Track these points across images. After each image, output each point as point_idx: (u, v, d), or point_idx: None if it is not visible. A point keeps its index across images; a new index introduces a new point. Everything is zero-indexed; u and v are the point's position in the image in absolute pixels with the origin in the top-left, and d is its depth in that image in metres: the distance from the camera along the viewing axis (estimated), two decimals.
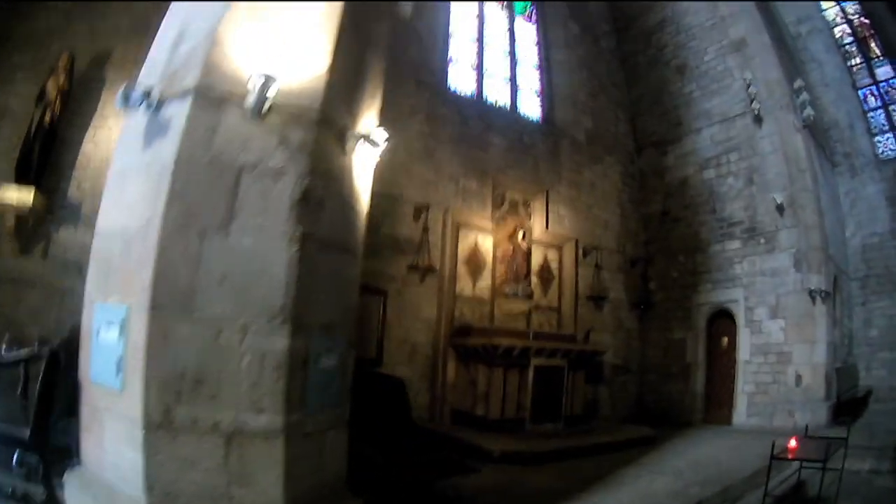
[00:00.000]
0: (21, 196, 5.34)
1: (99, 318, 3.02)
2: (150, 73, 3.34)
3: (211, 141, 2.91)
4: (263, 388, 2.78)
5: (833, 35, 12.41)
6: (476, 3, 10.33)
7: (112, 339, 2.87)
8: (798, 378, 8.46)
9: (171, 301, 2.73)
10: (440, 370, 7.63)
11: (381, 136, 3.57)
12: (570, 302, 9.31)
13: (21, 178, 5.43)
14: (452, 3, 9.89)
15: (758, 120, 9.60)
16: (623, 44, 11.78)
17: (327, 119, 3.17)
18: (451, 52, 9.45)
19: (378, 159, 3.70)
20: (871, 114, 11.90)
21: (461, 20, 9.98)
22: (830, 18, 12.62)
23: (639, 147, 11.34)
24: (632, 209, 10.95)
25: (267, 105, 2.94)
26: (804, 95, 9.56)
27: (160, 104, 3.06)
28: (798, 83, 9.66)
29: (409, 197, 7.88)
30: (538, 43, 10.90)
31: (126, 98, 3.07)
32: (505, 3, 10.81)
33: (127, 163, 3.25)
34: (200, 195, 2.86)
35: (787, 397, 8.45)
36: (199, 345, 2.73)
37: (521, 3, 11.14)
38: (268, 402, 2.78)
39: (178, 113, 2.97)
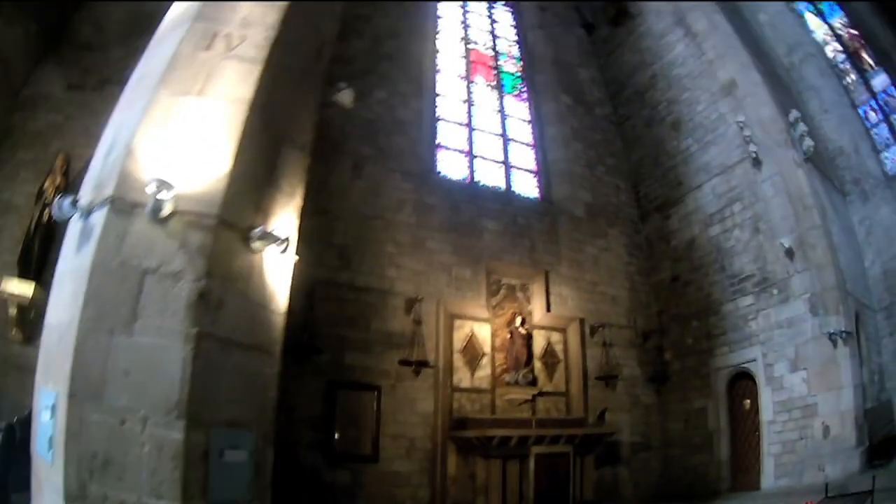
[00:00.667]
0: (22, 289, 5.83)
1: (41, 400, 3.40)
2: (88, 181, 3.76)
3: (121, 246, 3.24)
4: (162, 475, 2.98)
5: (826, 56, 12.27)
6: (464, 86, 10.68)
7: (47, 419, 3.23)
8: (826, 429, 8.02)
9: (85, 390, 3.05)
10: (439, 464, 7.62)
11: (287, 232, 3.80)
12: (579, 384, 9.18)
13: (23, 273, 5.93)
14: (440, 87, 10.26)
15: (757, 163, 9.44)
16: (618, 108, 11.92)
17: (227, 222, 3.42)
18: (440, 138, 9.74)
19: (293, 260, 3.97)
20: (874, 130, 11.57)
21: (449, 104, 10.29)
22: (820, 39, 12.52)
23: (643, 214, 11.32)
24: (641, 280, 10.81)
25: (166, 210, 3.21)
26: (802, 127, 9.40)
27: (89, 212, 3.42)
28: (794, 115, 9.51)
29: (400, 290, 8.06)
30: (530, 120, 11.14)
31: (60, 208, 3.42)
32: (494, 83, 11.17)
33: (64, 266, 3.62)
34: (110, 297, 3.18)
35: (815, 452, 8.00)
36: (107, 431, 3.02)
37: (511, 82, 11.49)
38: (166, 489, 2.98)
39: (98, 221, 3.32)
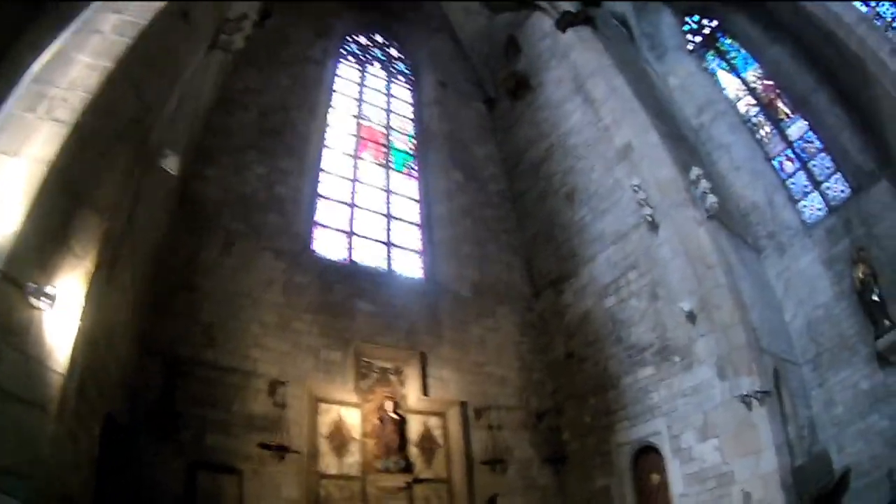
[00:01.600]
0: None
1: None
2: None
3: None
4: None
5: (738, 112, 14.37)
6: (351, 163, 12.38)
7: None
8: (746, 496, 8.75)
9: None
10: None
11: (70, 293, 4.75)
12: (462, 470, 10.06)
13: None
14: (325, 164, 11.85)
15: (653, 226, 10.81)
16: (514, 183, 13.76)
17: (9, 277, 4.26)
18: (319, 216, 11.18)
19: (76, 320, 4.86)
20: (791, 180, 13.39)
21: (333, 182, 11.85)
22: (733, 96, 14.68)
23: (536, 291, 12.69)
24: (533, 359, 11.97)
25: None
26: (704, 184, 10.73)
27: None
28: (695, 172, 10.87)
29: (264, 371, 9.08)
30: (419, 198, 12.81)
31: None
32: (384, 160, 12.94)
33: None
34: None
35: None
36: None
37: (402, 159, 13.31)
38: None
39: None
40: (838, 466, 9.97)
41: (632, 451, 10.41)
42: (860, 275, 11.15)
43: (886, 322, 10.47)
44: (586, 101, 12.73)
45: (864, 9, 11.79)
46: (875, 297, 10.86)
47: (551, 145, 13.10)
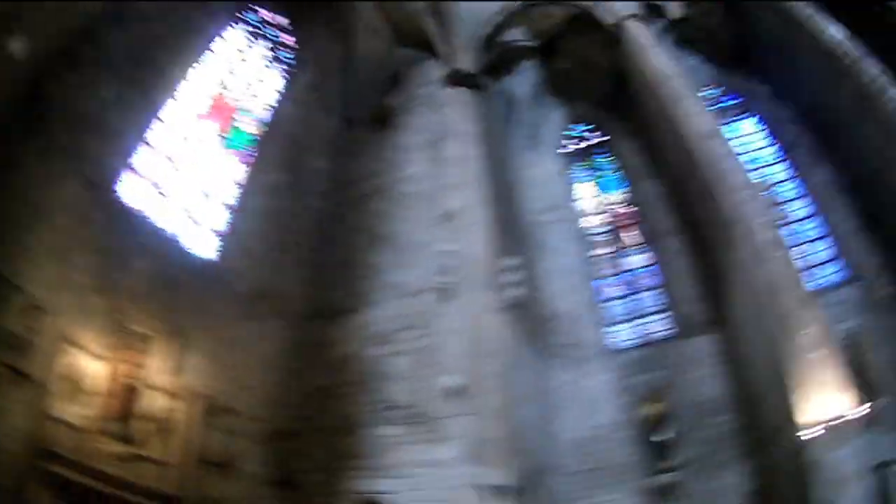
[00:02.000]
0: None
1: None
2: None
3: None
4: None
5: (581, 224, 16.34)
6: (192, 123, 12.69)
7: None
8: None
9: None
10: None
11: None
12: (187, 462, 10.25)
13: None
14: (165, 113, 11.98)
15: (447, 296, 11.63)
16: (335, 205, 14.57)
17: None
18: (136, 161, 11.22)
19: None
20: (609, 303, 15.24)
21: (164, 134, 11.95)
22: (583, 208, 16.77)
23: (313, 313, 13.19)
24: (290, 380, 12.36)
25: None
26: (516, 276, 11.88)
27: None
28: (511, 262, 12.01)
29: (30, 291, 8.73)
30: (242, 184, 13.29)
31: None
32: (225, 135, 13.35)
33: None
34: None
35: None
36: None
37: (242, 140, 13.79)
38: None
39: None
40: None
41: (358, 500, 10.82)
42: (651, 412, 12.80)
43: (666, 464, 12.03)
44: (436, 157, 13.92)
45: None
46: (659, 438, 12.43)
47: (384, 184, 14.13)
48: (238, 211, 12.78)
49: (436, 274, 11.91)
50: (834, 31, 14.54)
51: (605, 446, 12.99)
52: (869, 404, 9.83)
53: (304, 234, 13.82)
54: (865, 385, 12.32)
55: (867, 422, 11.78)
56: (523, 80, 18.47)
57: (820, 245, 15.97)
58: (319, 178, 14.80)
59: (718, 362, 13.57)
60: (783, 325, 10.41)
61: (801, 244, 15.75)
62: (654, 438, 12.58)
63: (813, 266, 15.46)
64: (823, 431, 9.36)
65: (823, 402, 9.47)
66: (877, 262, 14.95)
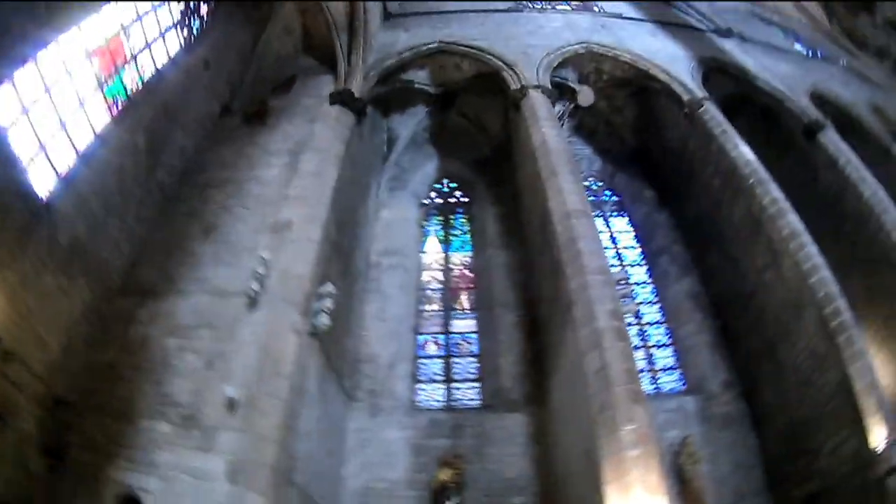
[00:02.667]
0: None
1: None
2: None
3: None
4: None
5: (419, 276, 16.48)
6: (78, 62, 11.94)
7: None
8: None
9: None
10: None
11: None
12: None
13: None
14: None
15: (254, 304, 11.27)
16: (180, 185, 14.15)
17: None
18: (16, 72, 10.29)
19: None
20: (426, 361, 15.33)
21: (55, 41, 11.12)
22: (423, 262, 16.88)
23: (122, 289, 12.62)
24: (83, 347, 11.64)
25: None
26: (326, 303, 11.72)
27: None
28: (326, 288, 11.85)
29: None
30: (100, 135, 12.45)
31: None
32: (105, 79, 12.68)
33: None
34: None
35: None
36: None
37: (119, 90, 13.06)
38: None
39: None
40: None
41: (118, 490, 10.11)
42: (444, 478, 12.65)
43: None
44: (291, 165, 13.74)
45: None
46: None
47: (234, 179, 13.77)
48: (86, 160, 11.98)
49: (250, 280, 11.41)
50: (745, 150, 15.60)
51: (383, 502, 12.77)
52: None
53: (143, 205, 13.16)
54: (691, 495, 13.32)
55: None
56: (411, 122, 18.89)
57: (666, 352, 16.73)
58: (178, 156, 14.22)
59: (527, 442, 13.73)
60: (606, 417, 10.18)
61: (648, 347, 16.61)
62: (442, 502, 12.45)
63: (655, 370, 16.31)
64: None
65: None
66: (722, 379, 15.84)
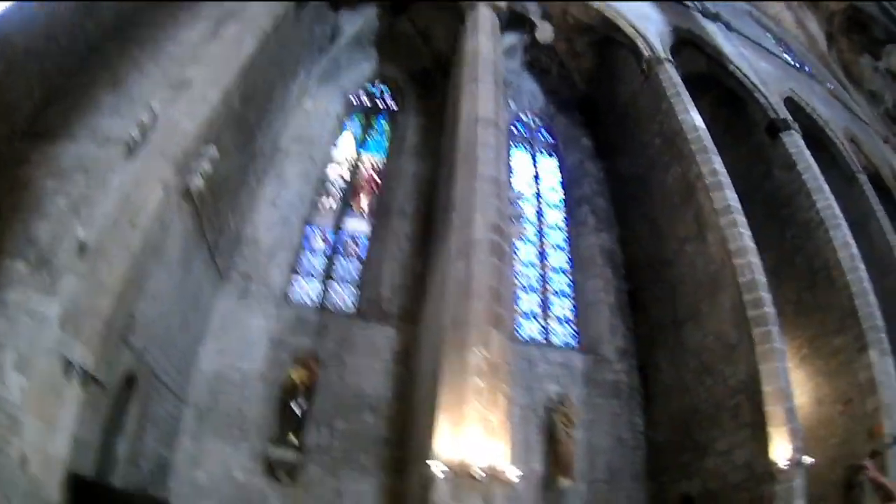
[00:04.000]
0: None
1: None
2: None
3: None
4: None
5: (322, 170, 16.03)
6: None
7: None
8: (24, 459, 8.04)
9: None
10: None
11: None
12: None
13: None
14: None
15: (130, 153, 10.49)
16: (105, 39, 12.71)
17: None
18: None
19: None
20: (310, 254, 14.71)
21: None
22: (337, 158, 16.57)
23: (24, 130, 11.52)
24: None
25: None
26: (205, 165, 10.94)
27: None
28: (209, 151, 11.09)
29: None
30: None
31: None
32: None
33: None
34: None
35: (7, 476, 7.91)
36: None
37: None
38: None
39: None
40: None
41: None
42: (295, 377, 11.97)
43: (294, 440, 11.50)
44: (215, 32, 12.71)
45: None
46: (297, 409, 11.71)
47: (155, 38, 12.86)
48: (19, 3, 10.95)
49: (131, 126, 10.64)
50: (695, 116, 14.96)
51: (239, 393, 12.17)
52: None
53: (66, 54, 12.04)
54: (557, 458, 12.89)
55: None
56: (358, 20, 17.96)
57: (565, 302, 16.22)
58: (112, 10, 12.89)
59: (392, 359, 13.25)
60: (457, 335, 9.26)
61: (547, 292, 16.20)
62: (293, 406, 11.79)
63: (549, 318, 15.84)
64: (451, 474, 8.19)
65: (480, 443, 8.32)
66: (619, 346, 15.36)
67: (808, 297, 15.75)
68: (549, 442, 13.23)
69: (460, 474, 8.05)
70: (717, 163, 13.96)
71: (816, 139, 19.43)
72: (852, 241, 15.29)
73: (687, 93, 15.57)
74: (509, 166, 15.94)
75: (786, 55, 23.77)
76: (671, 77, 16.08)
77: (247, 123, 12.98)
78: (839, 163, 19.82)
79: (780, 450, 10.75)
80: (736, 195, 13.51)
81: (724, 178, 13.75)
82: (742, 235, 12.78)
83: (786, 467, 10.51)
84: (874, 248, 18.30)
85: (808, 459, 10.92)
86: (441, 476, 8.15)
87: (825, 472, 13.48)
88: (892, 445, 12.67)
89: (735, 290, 12.31)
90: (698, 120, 14.84)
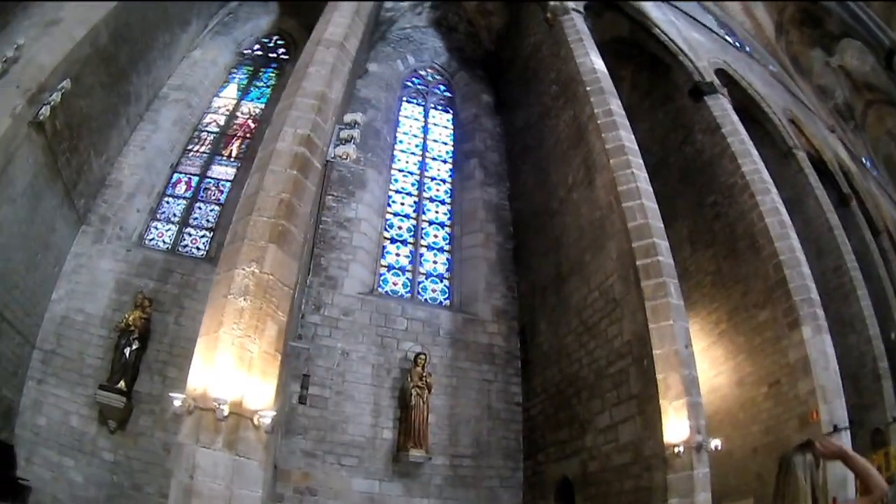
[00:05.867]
0: None
1: None
2: None
3: None
4: None
5: (199, 118, 15.63)
6: None
7: None
8: None
9: None
10: None
11: None
12: None
13: None
14: None
15: None
16: None
17: None
18: None
19: None
20: (171, 200, 14.26)
21: None
22: (217, 106, 16.21)
23: None
24: None
25: None
26: (55, 96, 10.18)
27: None
28: (62, 83, 10.38)
29: None
30: None
31: None
32: None
33: None
34: None
35: None
36: None
37: None
38: None
39: None
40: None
41: None
42: (130, 319, 11.39)
43: (119, 383, 10.92)
44: None
45: None
46: (127, 351, 11.18)
47: None
48: None
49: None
50: (595, 59, 13.92)
51: (80, 336, 11.58)
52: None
53: None
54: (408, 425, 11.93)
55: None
56: None
57: (441, 258, 15.54)
58: None
59: None
60: (231, 249, 8.05)
61: (420, 245, 15.50)
62: (126, 351, 11.19)
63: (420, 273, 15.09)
64: (188, 407, 6.77)
65: (230, 376, 6.91)
66: (495, 305, 14.53)
67: (728, 267, 14.90)
68: (403, 407, 12.35)
69: (204, 408, 6.66)
70: (615, 104, 12.81)
71: (750, 115, 18.74)
72: (783, 209, 14.27)
73: (592, 41, 14.69)
74: (351, 90, 15.31)
75: (727, 37, 22.92)
76: (576, 25, 14.92)
77: (117, 64, 12.44)
78: (775, 139, 19.16)
79: (675, 429, 9.02)
80: (633, 137, 12.35)
81: (621, 118, 12.54)
82: (636, 177, 11.42)
83: (680, 452, 8.78)
84: (811, 226, 17.86)
85: (714, 443, 9.37)
86: (177, 407, 6.85)
87: (745, 463, 12.77)
88: (831, 435, 11.33)
89: (624, 237, 10.89)
90: (598, 63, 13.84)
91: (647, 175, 11.72)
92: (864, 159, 26.16)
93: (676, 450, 8.81)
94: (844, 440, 11.41)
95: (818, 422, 11.60)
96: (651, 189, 11.51)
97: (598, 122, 12.37)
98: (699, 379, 9.48)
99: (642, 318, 9.94)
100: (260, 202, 8.33)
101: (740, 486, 12.74)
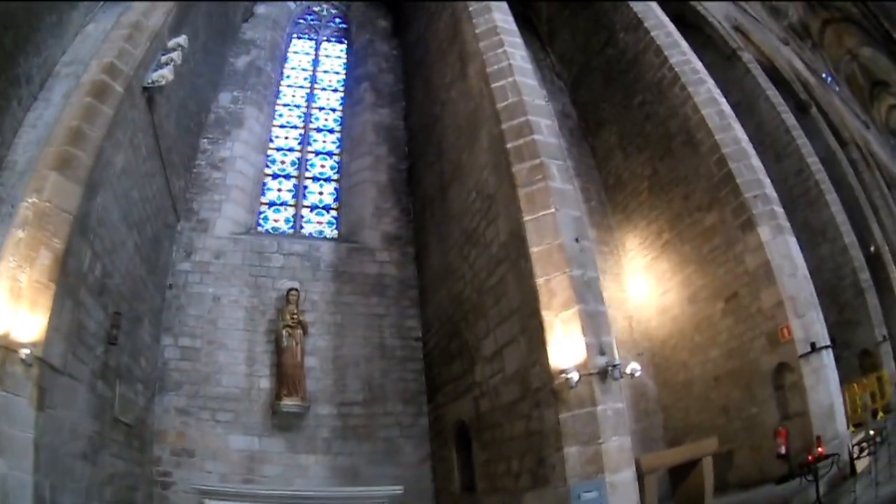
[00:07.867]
0: None
1: None
2: None
3: None
4: None
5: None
6: None
7: None
8: None
9: None
10: None
11: None
12: None
13: None
14: None
15: None
16: None
17: None
18: None
19: None
20: None
21: None
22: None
23: None
24: None
25: None
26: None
27: None
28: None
29: None
30: None
31: None
32: None
33: None
34: None
35: None
36: None
37: None
38: None
39: None
40: None
41: None
42: None
43: None
44: None
45: None
46: None
47: None
48: None
49: None
50: None
51: None
52: None
53: None
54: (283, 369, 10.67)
55: None
56: None
57: (328, 188, 14.05)
58: None
59: None
60: (25, 185, 7.57)
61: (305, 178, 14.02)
62: None
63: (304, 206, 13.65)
64: None
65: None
66: (386, 231, 12.91)
67: (666, 169, 12.74)
68: (279, 353, 10.65)
69: None
70: (503, 20, 10.02)
71: (687, 21, 16.77)
72: (722, 99, 11.99)
73: None
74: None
75: None
76: None
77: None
78: (716, 42, 17.38)
79: (566, 350, 6.67)
80: (511, 18, 10.14)
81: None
82: (509, 55, 9.06)
83: (573, 381, 6.42)
84: (764, 129, 16.25)
85: (631, 367, 7.15)
86: None
87: (707, 394, 11.04)
88: (809, 355, 9.34)
89: (494, 122, 8.63)
90: None
91: (525, 54, 9.51)
92: (824, 75, 24.23)
93: (568, 377, 6.44)
94: (827, 362, 9.54)
95: (791, 340, 9.55)
96: (530, 67, 9.28)
97: (470, 9, 10.14)
98: (646, 300, 7.17)
99: (516, 209, 7.69)
100: (53, 134, 7.72)
101: (703, 422, 10.94)
